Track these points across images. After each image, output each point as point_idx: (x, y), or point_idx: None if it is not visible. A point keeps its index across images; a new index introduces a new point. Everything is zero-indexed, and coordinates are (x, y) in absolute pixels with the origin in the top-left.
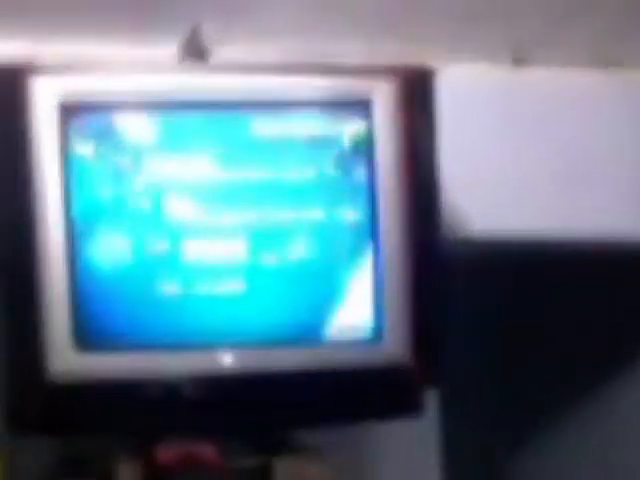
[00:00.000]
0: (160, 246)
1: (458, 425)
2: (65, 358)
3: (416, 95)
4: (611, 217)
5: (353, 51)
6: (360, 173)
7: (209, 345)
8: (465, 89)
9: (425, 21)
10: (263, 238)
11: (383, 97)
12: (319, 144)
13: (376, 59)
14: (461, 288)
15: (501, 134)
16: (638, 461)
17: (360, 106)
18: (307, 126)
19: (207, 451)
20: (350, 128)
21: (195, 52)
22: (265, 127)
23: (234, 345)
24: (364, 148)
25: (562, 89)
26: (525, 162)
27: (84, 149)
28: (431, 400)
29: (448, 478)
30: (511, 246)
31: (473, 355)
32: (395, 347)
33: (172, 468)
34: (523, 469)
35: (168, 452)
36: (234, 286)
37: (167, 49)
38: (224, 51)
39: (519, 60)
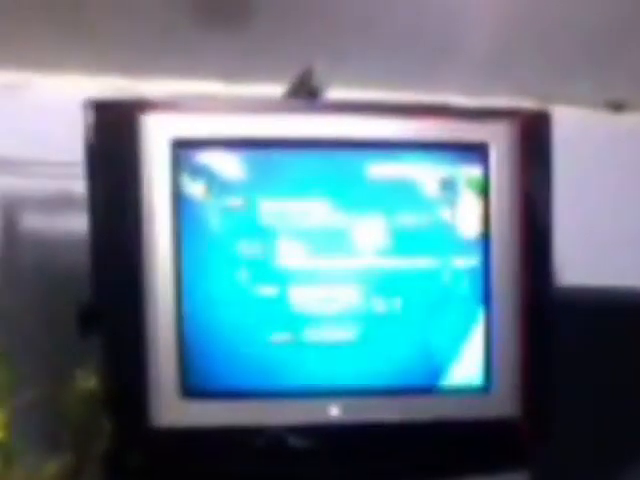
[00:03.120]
0: (269, 292)
1: None
2: (171, 406)
3: (533, 139)
4: None
5: (464, 94)
6: (474, 219)
7: (317, 394)
8: (571, 134)
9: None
10: (376, 285)
11: (500, 141)
12: (434, 189)
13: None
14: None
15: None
16: None
17: (477, 150)
18: (422, 170)
19: None
20: (466, 172)
21: (306, 91)
22: (380, 170)
23: (342, 394)
24: (479, 193)
25: None
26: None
27: (195, 188)
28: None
29: None
30: (616, 295)
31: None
32: (504, 400)
33: None
34: None
35: None
36: (345, 334)
37: (276, 88)
38: (333, 92)
39: (617, 106)
